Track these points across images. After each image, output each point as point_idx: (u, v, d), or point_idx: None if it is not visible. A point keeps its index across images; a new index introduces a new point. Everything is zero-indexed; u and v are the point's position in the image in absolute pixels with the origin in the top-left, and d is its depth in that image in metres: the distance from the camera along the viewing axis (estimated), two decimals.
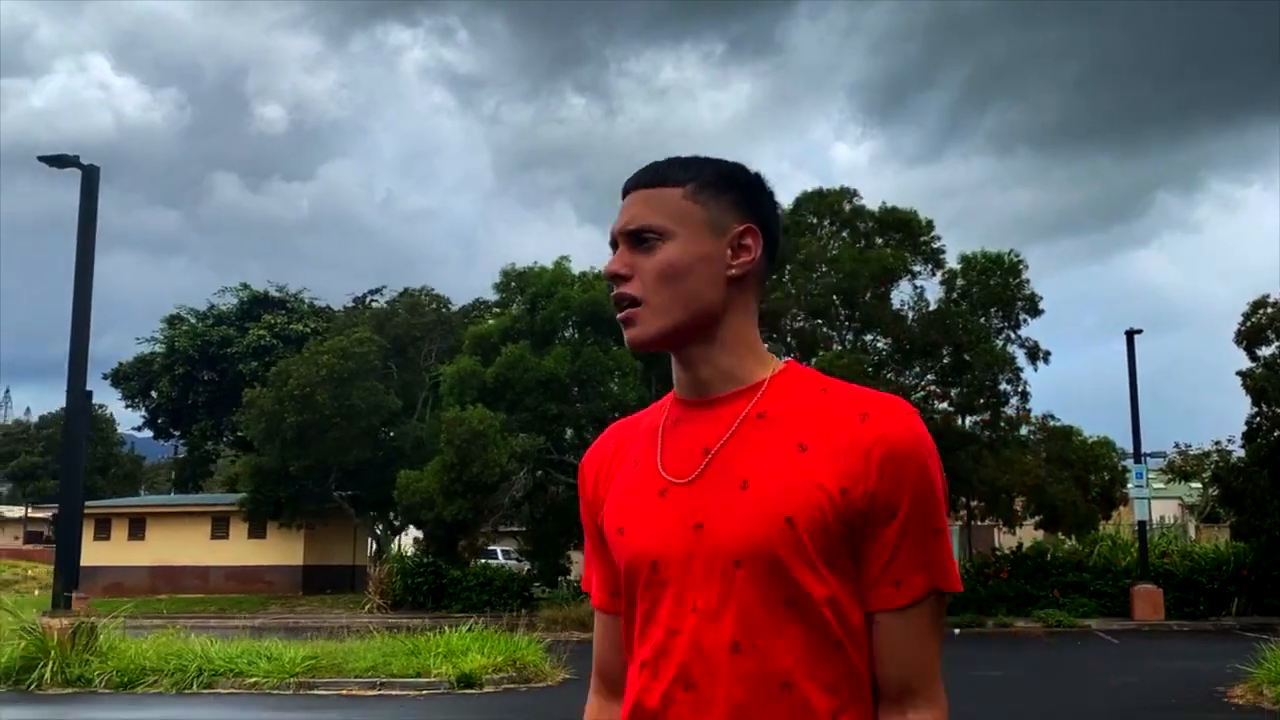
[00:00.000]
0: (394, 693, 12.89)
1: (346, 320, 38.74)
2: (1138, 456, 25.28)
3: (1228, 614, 23.92)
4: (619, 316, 1.47)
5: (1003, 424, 25.70)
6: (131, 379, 45.56)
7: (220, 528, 37.47)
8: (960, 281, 26.11)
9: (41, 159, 14.93)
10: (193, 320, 44.54)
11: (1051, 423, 25.90)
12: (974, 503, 26.00)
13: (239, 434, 40.01)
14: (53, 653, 13.49)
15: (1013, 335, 26.10)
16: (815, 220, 26.68)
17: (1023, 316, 25.99)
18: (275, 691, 13.00)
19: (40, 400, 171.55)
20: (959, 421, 25.80)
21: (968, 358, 25.28)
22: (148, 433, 49.05)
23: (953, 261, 26.37)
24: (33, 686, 13.28)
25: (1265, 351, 25.13)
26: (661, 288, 1.43)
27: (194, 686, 13.13)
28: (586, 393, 25.35)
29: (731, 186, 1.48)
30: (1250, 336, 25.12)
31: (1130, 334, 25.43)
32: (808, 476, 1.37)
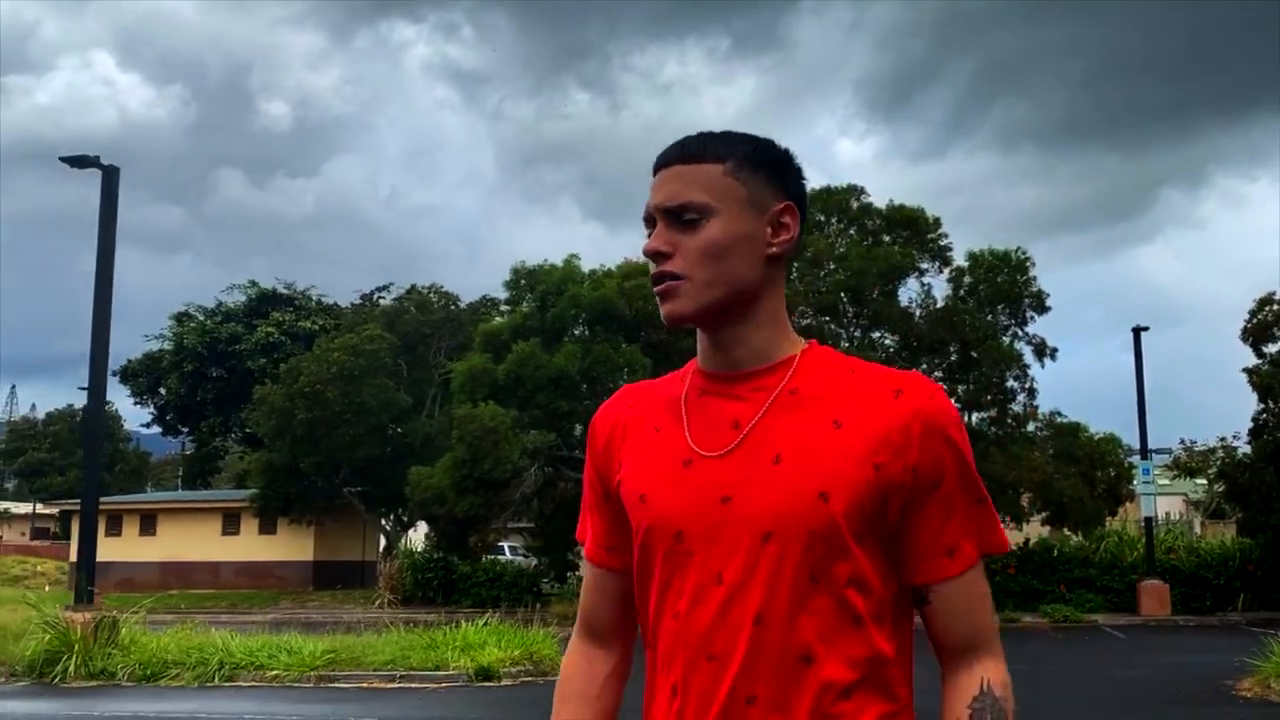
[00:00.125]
0: (413, 685, 13.08)
1: (355, 318, 38.94)
2: (1144, 453, 25.40)
3: (1234, 609, 24.07)
4: (657, 289, 1.45)
5: (1010, 420, 25.83)
6: (140, 376, 45.80)
7: (231, 524, 37.70)
8: (967, 279, 26.25)
9: (63, 159, 15.09)
10: (201, 317, 44.78)
11: (1058, 419, 26.04)
12: None
13: (247, 430, 40.25)
14: (76, 646, 13.69)
15: (1020, 332, 26.26)
16: (823, 218, 26.82)
17: (1030, 313, 26.15)
18: (296, 684, 13.19)
19: (46, 397, 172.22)
20: (966, 418, 25.95)
21: (975, 355, 25.43)
22: (155, 429, 49.35)
23: (960, 259, 26.55)
24: (57, 679, 13.49)
25: (1272, 348, 25.23)
26: (704, 266, 1.42)
27: (216, 679, 13.32)
28: (596, 390, 25.49)
29: (767, 163, 1.48)
30: (1257, 333, 25.24)
31: (1137, 331, 25.55)
32: (844, 452, 1.38)
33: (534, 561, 30.43)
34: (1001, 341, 25.72)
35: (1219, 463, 27.84)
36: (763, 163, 1.47)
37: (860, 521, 1.37)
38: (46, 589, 33.89)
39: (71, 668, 13.54)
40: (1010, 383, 25.84)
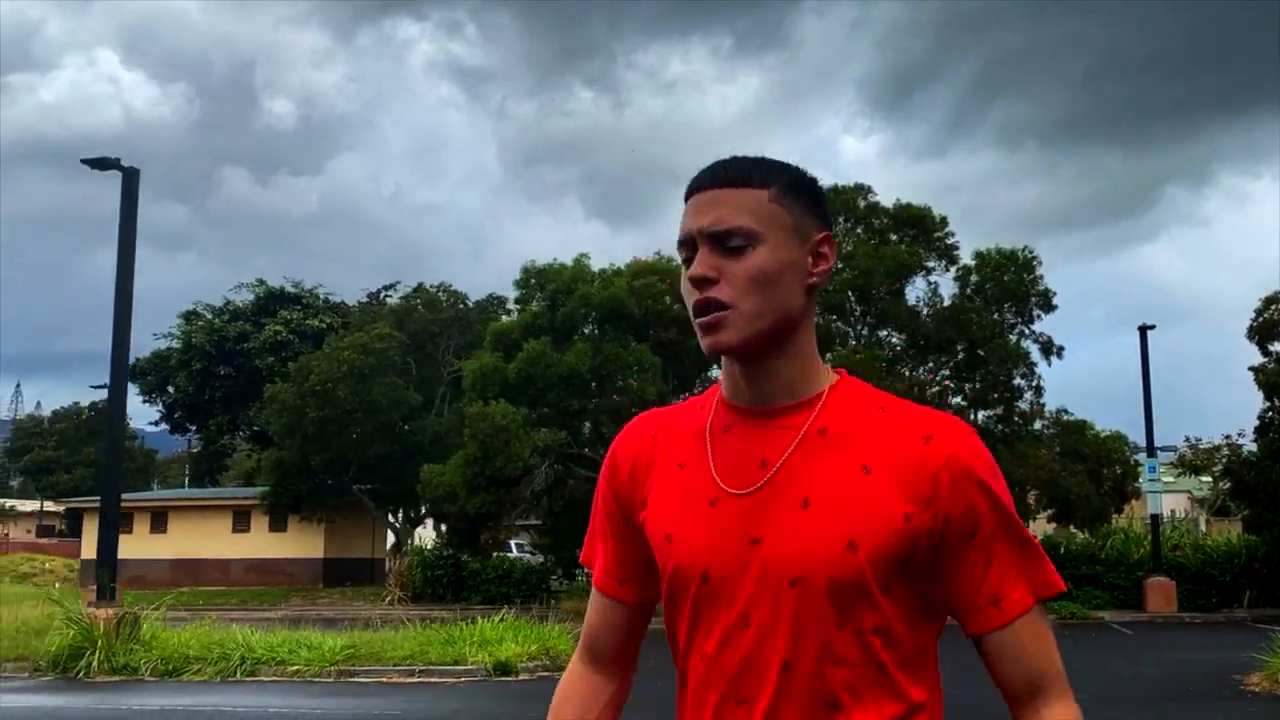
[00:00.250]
0: (432, 680, 13.27)
1: (363, 316, 39.16)
2: (1151, 450, 25.51)
3: (1239, 606, 24.21)
4: (702, 321, 1.39)
5: (1016, 418, 25.98)
6: (148, 374, 46.01)
7: (241, 521, 37.95)
8: (974, 278, 26.41)
9: (84, 161, 15.28)
10: (209, 316, 45.01)
11: (1065, 417, 26.19)
12: None
13: (255, 428, 40.47)
14: (99, 642, 13.89)
15: (1026, 330, 26.43)
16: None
17: (1036, 312, 26.32)
18: (317, 679, 13.39)
19: (50, 394, 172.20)
20: (973, 416, 26.09)
21: (982, 353, 25.60)
22: (162, 427, 49.58)
23: (966, 258, 26.71)
24: (81, 674, 13.69)
25: (1278, 347, 25.37)
26: (752, 294, 1.38)
27: (237, 674, 13.52)
28: (606, 388, 25.70)
29: (807, 191, 1.45)
30: (1262, 332, 25.36)
31: (1143, 330, 25.66)
32: (873, 501, 1.35)
33: (541, 558, 30.66)
34: (1008, 340, 25.89)
35: (1224, 460, 27.98)
36: (803, 191, 1.44)
37: (887, 572, 1.35)
38: (57, 586, 34.08)
39: (95, 663, 13.74)
40: (1017, 381, 26.02)
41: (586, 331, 26.71)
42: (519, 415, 24.24)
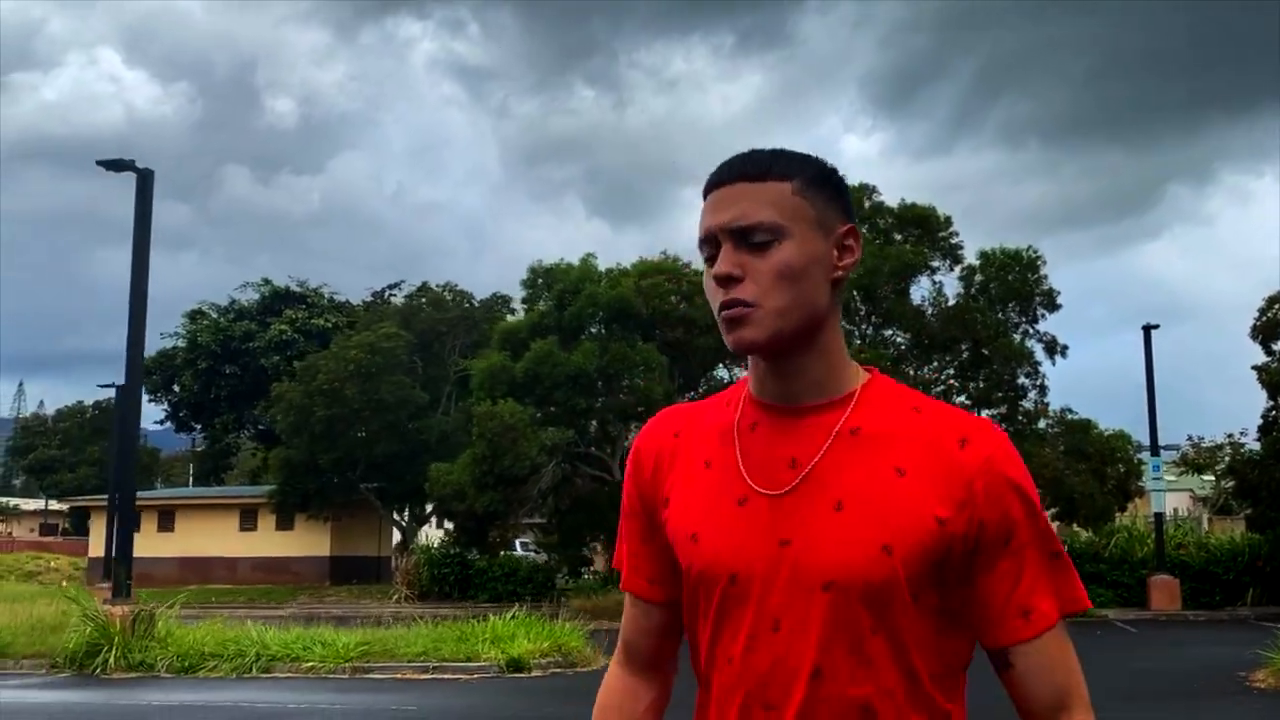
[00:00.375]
0: (446, 676, 13.41)
1: (368, 316, 39.32)
2: (1155, 449, 25.62)
3: (1243, 604, 24.34)
4: (726, 315, 1.36)
5: (1021, 417, 26.11)
6: (154, 373, 46.14)
7: (248, 519, 38.11)
8: (979, 277, 26.53)
9: (100, 163, 15.42)
10: (214, 315, 45.19)
11: (1069, 416, 26.32)
12: None
13: (260, 427, 40.62)
14: (116, 639, 14.05)
15: (1030, 330, 26.56)
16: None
17: (1040, 311, 26.45)
18: (331, 676, 13.54)
19: (53, 393, 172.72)
20: (977, 415, 26.17)
21: (986, 352, 25.73)
22: (166, 426, 49.76)
23: (970, 257, 26.84)
24: (98, 671, 13.85)
25: None
26: (778, 291, 1.34)
27: (253, 671, 13.67)
28: (613, 387, 25.83)
29: (830, 183, 1.41)
30: (1266, 331, 25.48)
31: (1147, 329, 25.76)
32: (908, 504, 1.32)
33: (544, 557, 30.80)
34: (1012, 339, 26.01)
35: (1227, 459, 28.10)
36: (826, 182, 1.40)
37: (921, 577, 1.32)
38: (64, 584, 34.22)
39: (112, 660, 13.90)
40: (1021, 380, 26.15)
41: (593, 331, 26.84)
42: (526, 414, 24.40)
